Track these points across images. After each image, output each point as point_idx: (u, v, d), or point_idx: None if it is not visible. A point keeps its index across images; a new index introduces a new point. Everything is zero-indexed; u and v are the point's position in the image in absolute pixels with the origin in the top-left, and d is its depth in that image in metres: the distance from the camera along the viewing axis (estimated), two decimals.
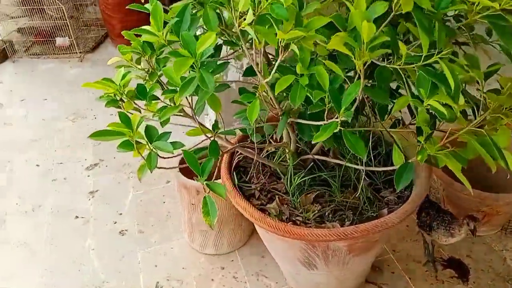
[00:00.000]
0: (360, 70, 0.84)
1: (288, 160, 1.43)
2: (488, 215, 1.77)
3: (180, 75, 0.84)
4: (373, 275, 1.76)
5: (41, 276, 1.90)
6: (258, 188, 1.45)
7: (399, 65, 0.89)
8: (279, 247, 1.47)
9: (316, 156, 1.38)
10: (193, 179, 1.55)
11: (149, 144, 1.07)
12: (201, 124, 1.15)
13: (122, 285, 1.83)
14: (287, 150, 1.43)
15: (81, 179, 2.42)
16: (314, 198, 1.40)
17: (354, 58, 0.80)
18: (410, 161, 1.11)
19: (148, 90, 1.03)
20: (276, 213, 1.36)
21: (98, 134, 0.99)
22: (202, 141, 1.20)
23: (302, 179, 1.40)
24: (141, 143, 1.07)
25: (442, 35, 0.86)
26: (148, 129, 1.11)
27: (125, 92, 1.04)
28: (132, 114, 1.03)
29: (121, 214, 2.18)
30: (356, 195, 1.37)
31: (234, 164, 1.51)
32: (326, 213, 1.35)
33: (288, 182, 1.41)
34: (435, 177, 1.84)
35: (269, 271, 1.81)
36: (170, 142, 1.10)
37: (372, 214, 1.34)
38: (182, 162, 1.81)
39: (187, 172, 1.66)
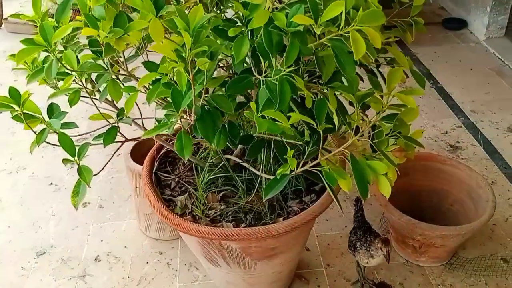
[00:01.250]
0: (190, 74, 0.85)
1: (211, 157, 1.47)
2: (424, 245, 1.71)
3: (27, 60, 0.91)
4: (297, 285, 1.76)
5: (1, 232, 2.05)
6: (176, 180, 1.50)
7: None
8: (187, 240, 1.51)
9: (228, 156, 1.40)
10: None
11: (44, 120, 1.15)
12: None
13: (66, 252, 1.95)
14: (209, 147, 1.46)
15: None
16: (223, 198, 1.43)
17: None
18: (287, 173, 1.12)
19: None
20: (181, 206, 1.40)
21: None
22: (105, 126, 1.26)
23: (215, 177, 1.43)
24: (36, 117, 1.15)
25: (291, 53, 0.87)
26: (50, 106, 1.19)
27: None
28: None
29: (90, 187, 2.30)
30: (262, 201, 1.39)
31: (162, 152, 1.56)
32: (228, 213, 1.38)
33: (202, 178, 1.45)
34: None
35: (201, 265, 1.86)
36: (68, 122, 1.18)
37: (269, 221, 1.35)
38: (135, 147, 1.90)
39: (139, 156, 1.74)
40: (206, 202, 1.41)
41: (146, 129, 1.27)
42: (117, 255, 1.93)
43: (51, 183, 2.34)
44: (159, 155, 1.56)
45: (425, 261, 1.80)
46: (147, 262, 1.89)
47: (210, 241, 1.34)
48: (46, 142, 1.12)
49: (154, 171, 1.50)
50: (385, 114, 1.17)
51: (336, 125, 1.10)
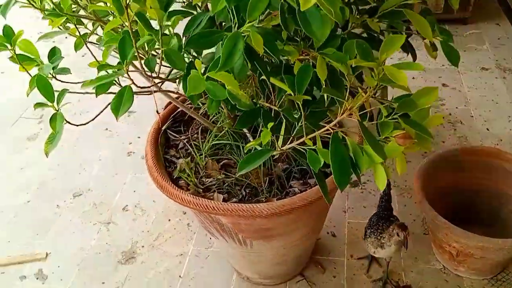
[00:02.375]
0: None
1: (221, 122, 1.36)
2: (461, 254, 1.45)
3: None
4: (311, 271, 1.62)
5: (50, 168, 2.18)
6: (185, 141, 1.42)
7: None
8: None
9: None
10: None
11: (42, 63, 1.12)
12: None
13: (100, 197, 2.00)
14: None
15: None
16: (225, 168, 1.32)
17: None
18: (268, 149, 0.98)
19: None
20: (180, 169, 1.33)
21: None
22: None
23: (220, 143, 1.33)
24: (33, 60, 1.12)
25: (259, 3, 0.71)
26: (53, 50, 1.16)
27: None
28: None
29: (139, 137, 2.33)
30: (263, 176, 1.26)
31: (179, 110, 1.49)
32: (225, 184, 1.27)
33: (206, 143, 1.35)
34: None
35: None
36: (63, 68, 1.14)
37: (263, 199, 1.22)
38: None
39: None
40: (205, 168, 1.31)
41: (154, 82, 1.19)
42: (144, 207, 1.94)
43: (107, 129, 2.41)
44: (175, 113, 1.48)
45: (464, 271, 1.54)
46: (169, 220, 1.87)
47: (198, 212, 1.25)
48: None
49: (164, 129, 1.43)
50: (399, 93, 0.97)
51: (326, 100, 0.92)
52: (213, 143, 1.33)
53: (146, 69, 0.84)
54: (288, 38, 0.91)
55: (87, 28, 1.15)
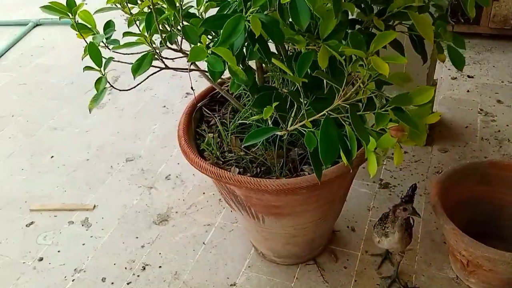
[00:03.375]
0: None
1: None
2: (471, 264, 1.46)
3: None
4: (324, 258, 1.70)
5: (110, 134, 2.43)
6: (218, 118, 1.56)
7: None
8: None
9: None
10: None
11: (98, 33, 1.31)
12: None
13: (148, 164, 2.21)
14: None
15: None
16: (248, 146, 1.44)
17: None
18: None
19: None
20: (207, 142, 1.47)
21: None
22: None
23: (243, 122, 1.46)
24: (90, 29, 1.31)
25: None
26: (108, 23, 1.35)
27: None
28: None
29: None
30: (278, 159, 1.36)
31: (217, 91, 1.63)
32: (244, 161, 1.40)
33: (234, 121, 1.48)
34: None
35: None
36: (114, 39, 1.32)
37: (274, 177, 1.33)
38: None
39: None
40: (229, 145, 1.45)
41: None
42: (184, 179, 2.11)
43: (165, 106, 2.63)
44: (212, 93, 1.63)
45: (475, 283, 1.54)
46: (204, 193, 2.03)
47: (217, 181, 1.39)
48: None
49: (200, 105, 1.58)
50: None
51: (325, 86, 1.02)
52: (240, 121, 1.46)
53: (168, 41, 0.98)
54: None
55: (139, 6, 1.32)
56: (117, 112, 2.62)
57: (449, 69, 2.67)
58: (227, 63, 0.88)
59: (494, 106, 2.38)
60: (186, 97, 2.69)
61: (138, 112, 2.60)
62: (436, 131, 2.25)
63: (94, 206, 2.00)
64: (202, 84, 1.63)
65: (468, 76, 2.66)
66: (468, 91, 2.52)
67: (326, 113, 0.98)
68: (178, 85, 2.77)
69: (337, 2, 0.81)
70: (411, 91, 1.00)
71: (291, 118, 1.13)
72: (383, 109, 0.97)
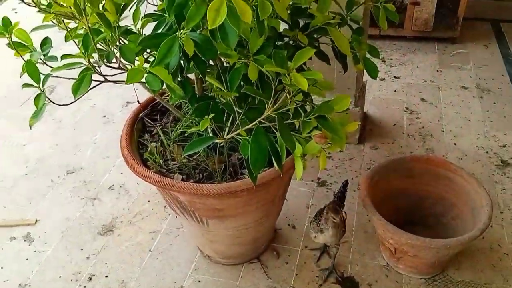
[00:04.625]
0: None
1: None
2: (398, 251, 1.61)
3: None
4: (267, 256, 1.79)
5: (49, 147, 2.39)
6: (159, 127, 1.60)
7: None
8: None
9: None
10: None
11: (35, 50, 1.32)
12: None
13: (90, 176, 2.21)
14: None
15: None
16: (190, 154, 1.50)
17: None
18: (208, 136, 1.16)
19: None
20: (150, 152, 1.51)
21: None
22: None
23: (185, 131, 1.51)
24: (26, 47, 1.32)
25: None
26: (45, 40, 1.36)
27: None
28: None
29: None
30: (219, 164, 1.44)
31: (156, 101, 1.67)
32: (186, 168, 1.46)
33: (175, 130, 1.54)
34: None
35: None
36: (51, 56, 1.34)
37: (215, 182, 1.40)
38: None
39: None
40: (171, 153, 1.50)
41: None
42: (128, 188, 2.13)
43: (105, 116, 2.63)
44: (153, 104, 1.67)
45: (403, 269, 1.69)
46: (149, 201, 2.07)
47: (161, 189, 1.44)
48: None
49: (141, 116, 1.63)
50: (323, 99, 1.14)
51: (256, 99, 1.10)
52: (181, 130, 1.52)
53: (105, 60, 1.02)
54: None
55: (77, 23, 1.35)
56: (55, 123, 2.58)
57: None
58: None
59: (418, 105, 2.59)
60: (126, 106, 2.70)
61: (77, 123, 2.58)
62: (367, 129, 2.42)
63: (36, 221, 1.98)
64: (143, 93, 1.66)
65: (395, 77, 2.86)
66: (395, 91, 2.71)
67: (257, 123, 1.07)
68: (117, 95, 2.77)
69: (260, 25, 0.90)
70: (331, 100, 1.10)
71: (228, 127, 1.21)
72: (308, 117, 1.07)
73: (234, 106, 1.17)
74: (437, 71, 2.90)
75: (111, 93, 2.79)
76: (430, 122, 2.46)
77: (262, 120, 1.10)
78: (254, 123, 1.09)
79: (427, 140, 2.34)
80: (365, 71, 1.25)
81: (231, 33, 0.87)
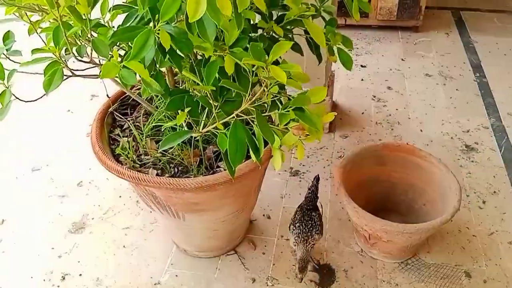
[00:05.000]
0: None
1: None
2: (372, 237, 1.64)
3: None
4: (244, 247, 1.80)
5: (13, 144, 2.30)
6: (130, 122, 1.57)
7: None
8: None
9: None
10: None
11: None
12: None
13: (57, 172, 2.14)
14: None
15: None
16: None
17: None
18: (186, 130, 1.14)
19: None
20: (122, 147, 1.48)
21: None
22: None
23: (158, 124, 1.49)
24: None
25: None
26: (7, 34, 1.30)
27: None
28: None
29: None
30: (194, 158, 1.42)
31: (126, 95, 1.63)
32: (160, 162, 1.43)
33: (147, 124, 1.51)
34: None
35: None
36: (15, 50, 1.28)
37: (191, 176, 1.38)
38: None
39: None
40: (144, 147, 1.47)
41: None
42: (97, 184, 2.08)
43: (69, 110, 2.55)
44: (123, 97, 1.63)
45: (377, 254, 1.73)
46: (120, 196, 2.02)
47: (135, 185, 1.41)
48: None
49: (111, 110, 1.58)
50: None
51: (233, 92, 1.09)
52: (154, 124, 1.49)
53: (77, 54, 0.99)
54: None
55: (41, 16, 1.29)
56: (17, 119, 2.47)
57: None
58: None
59: (385, 93, 2.64)
60: (91, 100, 2.62)
61: (40, 119, 2.49)
62: (337, 118, 2.45)
63: (3, 221, 1.91)
64: (109, 85, 1.61)
65: (362, 66, 2.90)
66: (362, 79, 2.75)
67: (235, 116, 1.06)
68: (82, 88, 2.69)
69: (238, 17, 0.88)
70: (308, 91, 1.10)
71: (204, 121, 1.20)
72: (285, 109, 1.07)
73: (210, 100, 1.15)
74: (402, 60, 2.96)
75: (75, 87, 2.69)
76: (397, 109, 2.52)
77: (239, 113, 1.09)
78: (231, 116, 1.08)
79: (394, 128, 2.39)
80: (333, 62, 1.25)
81: (209, 26, 0.85)
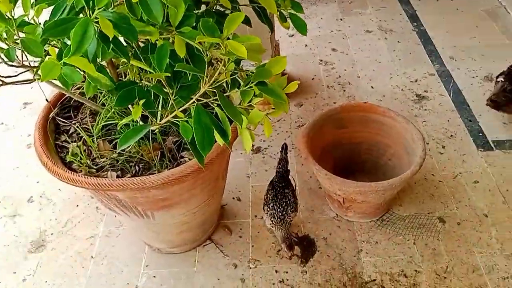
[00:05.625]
0: None
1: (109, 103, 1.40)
2: (346, 200, 1.63)
3: None
4: (219, 235, 1.74)
5: None
6: (76, 125, 1.44)
7: None
8: None
9: None
10: None
11: None
12: None
13: (2, 191, 1.97)
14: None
15: None
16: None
17: None
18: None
19: None
20: (72, 153, 1.36)
21: None
22: None
23: (108, 123, 1.38)
24: None
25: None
26: None
27: None
28: None
29: None
30: (155, 152, 1.33)
31: (67, 97, 1.50)
32: (119, 162, 1.33)
33: (96, 125, 1.39)
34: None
35: None
36: None
37: (155, 171, 1.29)
38: None
39: None
40: (98, 150, 1.36)
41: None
42: (49, 197, 1.93)
43: (2, 123, 2.34)
44: (62, 100, 1.50)
45: (352, 216, 1.73)
46: (77, 206, 1.89)
47: (94, 191, 1.30)
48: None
49: (52, 116, 1.45)
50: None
51: (189, 75, 1.01)
52: (103, 124, 1.37)
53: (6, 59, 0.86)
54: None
55: None
56: None
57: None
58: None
59: (330, 55, 2.62)
60: (25, 108, 2.42)
61: None
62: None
63: None
64: (45, 89, 1.47)
65: None
66: (306, 45, 2.71)
67: (195, 101, 0.98)
68: (12, 96, 2.47)
69: None
70: (267, 63, 1.04)
71: (160, 111, 1.11)
72: (247, 86, 1.00)
73: (163, 87, 1.06)
74: (341, 19, 2.94)
75: (4, 96, 2.48)
76: (345, 70, 2.51)
77: (198, 98, 1.01)
78: (191, 101, 1.00)
79: (346, 88, 2.38)
80: (286, 28, 1.19)
81: (154, 5, 0.76)
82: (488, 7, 2.93)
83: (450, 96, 2.29)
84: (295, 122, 2.20)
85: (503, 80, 2.02)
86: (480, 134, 2.07)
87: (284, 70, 2.46)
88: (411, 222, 1.74)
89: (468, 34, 2.70)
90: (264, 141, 2.11)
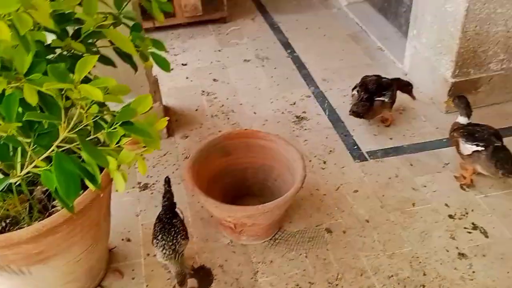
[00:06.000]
0: None
1: None
2: (237, 225, 1.66)
3: None
4: (110, 279, 1.66)
5: None
6: None
7: None
8: None
9: None
10: None
11: None
12: None
13: None
14: None
15: None
16: None
17: None
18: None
19: None
20: None
21: None
22: None
23: None
24: None
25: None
26: None
27: None
28: None
29: None
30: (22, 204, 1.25)
31: None
32: None
33: None
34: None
35: None
36: None
37: (25, 225, 1.21)
38: None
39: None
40: None
41: None
42: None
43: None
44: None
45: (246, 239, 1.76)
46: None
47: None
48: None
49: None
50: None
51: (45, 123, 0.97)
52: None
53: None
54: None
55: None
56: None
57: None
58: None
59: (212, 85, 2.69)
60: None
61: None
62: (173, 121, 2.41)
63: None
64: None
65: (183, 64, 2.90)
66: (187, 77, 2.76)
67: (55, 148, 0.95)
68: None
69: (24, 41, 0.77)
70: (132, 102, 1.04)
71: (19, 162, 1.05)
72: (112, 127, 0.99)
73: (19, 138, 1.01)
74: (219, 51, 3.04)
75: None
76: (227, 98, 2.59)
77: (60, 144, 0.98)
78: (51, 149, 0.96)
79: (230, 116, 2.45)
80: (150, 67, 1.21)
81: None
82: (351, 32, 3.22)
83: (326, 114, 2.46)
84: (182, 154, 2.20)
85: (358, 91, 2.24)
86: (355, 146, 2.24)
87: (166, 103, 2.49)
88: (301, 237, 1.82)
89: (336, 57, 2.94)
90: (151, 176, 2.08)
